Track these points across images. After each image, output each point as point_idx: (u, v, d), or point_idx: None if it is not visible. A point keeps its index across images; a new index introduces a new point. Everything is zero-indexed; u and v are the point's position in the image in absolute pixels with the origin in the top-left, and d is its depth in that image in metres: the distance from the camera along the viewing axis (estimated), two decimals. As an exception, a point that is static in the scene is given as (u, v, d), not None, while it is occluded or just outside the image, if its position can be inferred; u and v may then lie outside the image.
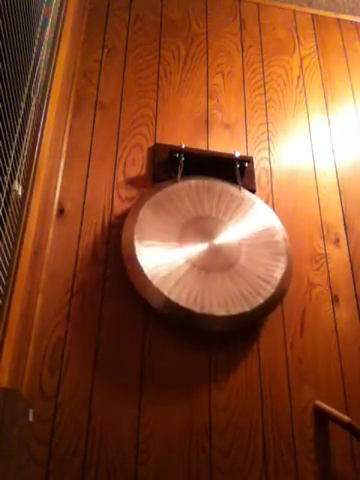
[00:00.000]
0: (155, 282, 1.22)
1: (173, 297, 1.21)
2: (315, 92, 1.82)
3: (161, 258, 1.27)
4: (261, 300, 1.26)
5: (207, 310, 1.22)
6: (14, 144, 0.94)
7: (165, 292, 1.21)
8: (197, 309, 1.21)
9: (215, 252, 1.32)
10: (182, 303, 1.21)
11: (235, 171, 1.48)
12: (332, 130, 1.75)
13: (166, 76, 1.69)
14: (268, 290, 1.28)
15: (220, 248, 1.33)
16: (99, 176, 1.45)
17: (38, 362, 1.17)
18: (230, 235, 1.36)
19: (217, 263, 1.30)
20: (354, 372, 1.32)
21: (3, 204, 0.89)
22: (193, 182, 1.43)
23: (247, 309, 1.24)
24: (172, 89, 1.67)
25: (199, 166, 1.48)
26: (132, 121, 1.57)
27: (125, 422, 1.15)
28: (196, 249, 1.32)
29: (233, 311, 1.23)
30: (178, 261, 1.28)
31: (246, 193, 1.46)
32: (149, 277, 1.22)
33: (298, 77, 1.84)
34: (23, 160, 1.03)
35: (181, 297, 1.22)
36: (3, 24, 0.81)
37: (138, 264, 1.24)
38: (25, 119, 1.03)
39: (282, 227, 1.42)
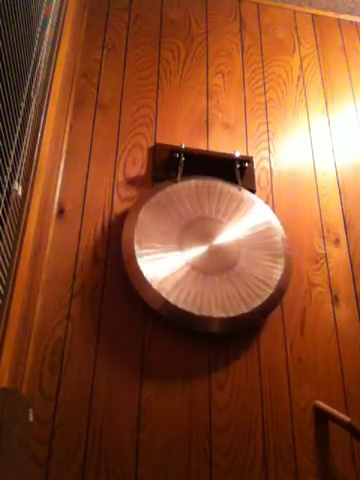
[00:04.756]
0: (154, 285, 1.23)
1: (172, 299, 1.22)
2: (315, 92, 1.82)
3: (160, 261, 1.27)
4: (259, 302, 1.27)
5: (205, 312, 1.22)
6: (14, 144, 0.94)
7: (164, 294, 1.22)
8: (196, 311, 1.22)
9: (214, 254, 1.32)
10: (180, 305, 1.22)
11: (235, 171, 1.48)
12: (332, 130, 1.75)
13: (166, 76, 1.69)
14: (267, 292, 1.29)
15: (219, 250, 1.33)
16: (99, 176, 1.45)
17: (38, 362, 1.17)
18: (229, 237, 1.36)
19: (216, 265, 1.31)
20: (354, 372, 1.32)
21: (3, 204, 0.89)
22: (193, 182, 1.43)
23: (246, 311, 1.25)
24: (172, 89, 1.67)
25: (199, 166, 1.48)
26: (132, 121, 1.57)
27: (125, 422, 1.15)
28: (195, 251, 1.32)
29: (231, 313, 1.24)
30: (177, 264, 1.28)
31: (246, 193, 1.46)
32: (148, 280, 1.23)
33: (298, 77, 1.84)
34: (23, 160, 1.03)
35: (180, 299, 1.22)
36: (3, 24, 0.81)
37: (137, 267, 1.24)
38: (25, 119, 1.03)
39: (281, 227, 1.42)
